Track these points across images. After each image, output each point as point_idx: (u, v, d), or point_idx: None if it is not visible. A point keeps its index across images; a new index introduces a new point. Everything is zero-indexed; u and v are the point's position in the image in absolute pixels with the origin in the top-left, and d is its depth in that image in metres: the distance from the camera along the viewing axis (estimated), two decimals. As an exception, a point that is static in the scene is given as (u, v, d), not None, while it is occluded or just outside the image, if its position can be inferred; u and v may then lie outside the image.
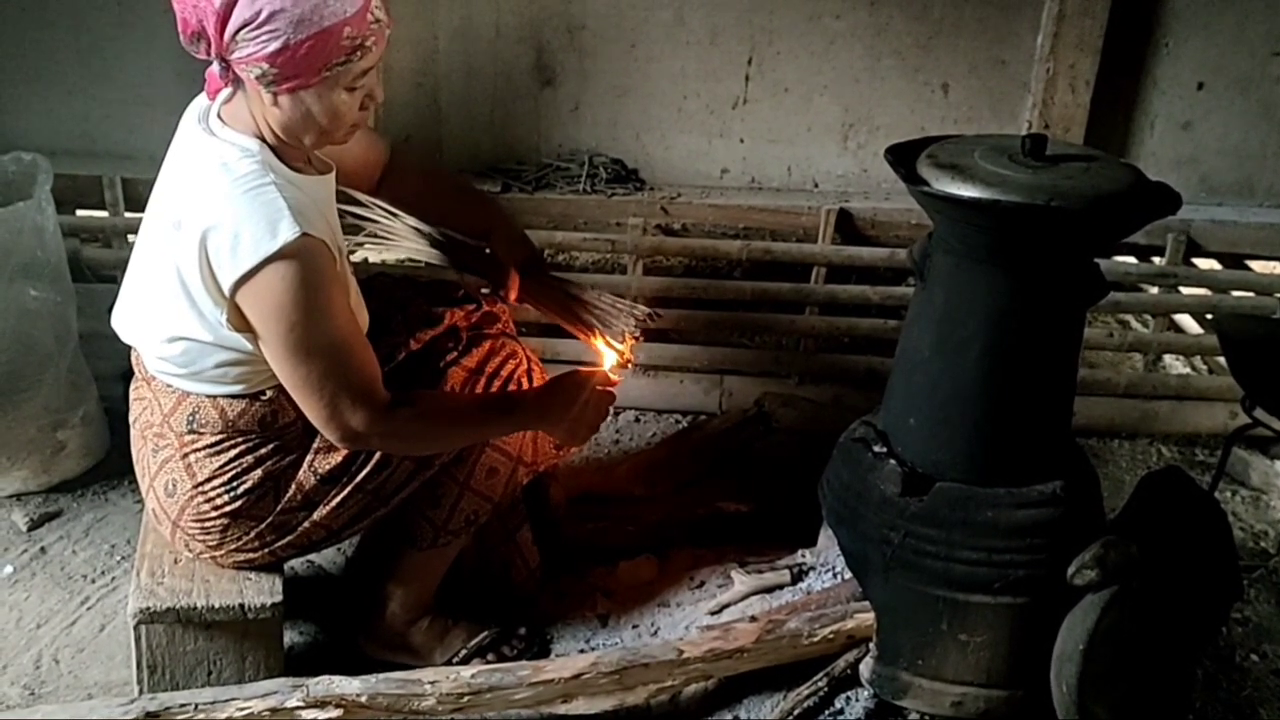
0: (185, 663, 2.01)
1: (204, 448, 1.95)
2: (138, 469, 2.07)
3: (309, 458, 1.97)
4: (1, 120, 3.07)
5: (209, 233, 1.76)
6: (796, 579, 2.27)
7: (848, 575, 2.15)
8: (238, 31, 1.69)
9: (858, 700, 2.04)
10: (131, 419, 2.05)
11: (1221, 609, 2.04)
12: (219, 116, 1.85)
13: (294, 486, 1.97)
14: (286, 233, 1.73)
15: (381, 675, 1.91)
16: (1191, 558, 1.91)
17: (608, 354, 2.23)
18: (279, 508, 1.98)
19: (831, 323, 3.08)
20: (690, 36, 3.02)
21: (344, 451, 1.96)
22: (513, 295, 2.25)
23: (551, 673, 1.95)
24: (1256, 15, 2.98)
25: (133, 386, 2.05)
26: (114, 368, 2.67)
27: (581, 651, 2.21)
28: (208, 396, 1.93)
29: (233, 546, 2.00)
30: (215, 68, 1.77)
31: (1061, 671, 1.88)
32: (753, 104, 3.09)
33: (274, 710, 1.83)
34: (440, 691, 1.90)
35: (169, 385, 1.95)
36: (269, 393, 1.93)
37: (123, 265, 3.01)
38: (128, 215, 3.00)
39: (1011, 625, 1.92)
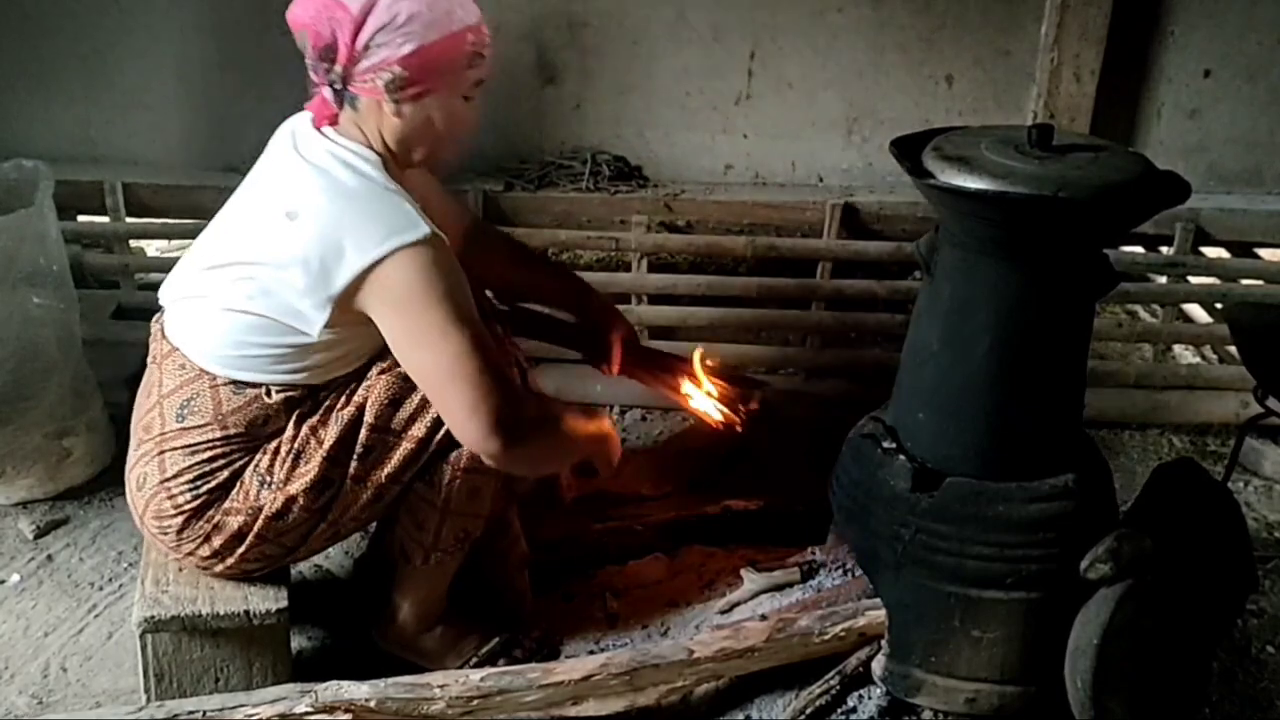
0: (192, 670, 2.00)
1: (182, 447, 1.91)
2: None
3: (255, 457, 1.92)
4: (2, 127, 3.07)
5: (339, 222, 1.76)
6: (807, 576, 2.26)
7: (858, 572, 2.14)
8: (374, 35, 1.73)
9: (870, 698, 2.03)
10: (136, 405, 2.02)
11: (1237, 601, 2.03)
12: (328, 130, 1.87)
13: (239, 487, 1.91)
14: (426, 228, 1.77)
15: (390, 680, 1.90)
16: (1205, 550, 1.90)
17: (713, 414, 2.34)
18: (225, 507, 1.92)
19: (838, 318, 3.07)
20: (692, 33, 3.01)
21: (289, 457, 1.90)
22: (615, 369, 2.32)
23: (561, 675, 1.94)
24: (1264, 1, 2.96)
25: (145, 374, 2.01)
26: (119, 374, 2.66)
27: (591, 653, 2.19)
28: (209, 386, 1.89)
29: (189, 549, 1.95)
30: (327, 93, 1.80)
31: (1076, 666, 1.86)
32: (756, 99, 3.08)
33: (283, 716, 1.82)
34: (449, 695, 1.89)
35: (182, 366, 1.91)
36: (275, 393, 1.89)
37: (125, 270, 3.05)
38: (129, 220, 3.00)
39: (1025, 620, 1.91)
